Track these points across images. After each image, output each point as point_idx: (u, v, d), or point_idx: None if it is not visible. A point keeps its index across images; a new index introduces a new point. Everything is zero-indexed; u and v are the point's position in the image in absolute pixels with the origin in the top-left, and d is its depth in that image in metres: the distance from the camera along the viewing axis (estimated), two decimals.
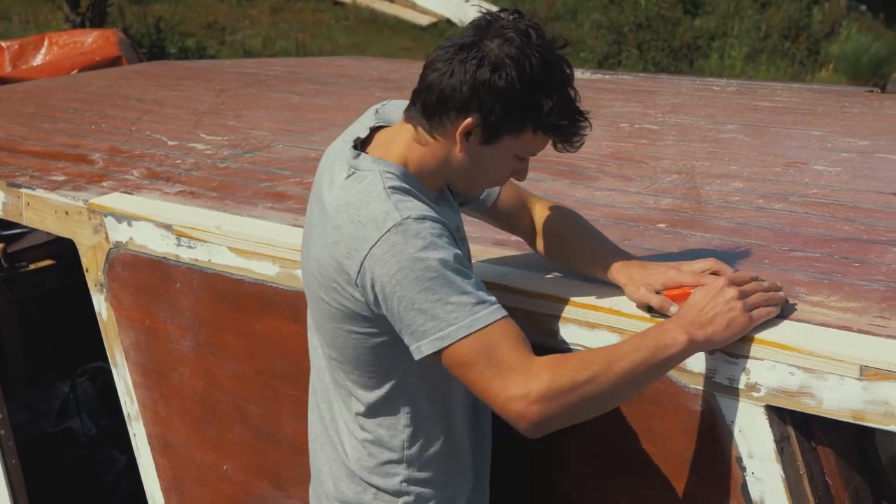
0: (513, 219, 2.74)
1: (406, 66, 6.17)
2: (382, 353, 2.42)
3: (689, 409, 2.42)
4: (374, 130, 2.49)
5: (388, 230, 2.23)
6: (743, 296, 2.31)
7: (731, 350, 2.33)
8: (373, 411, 2.50)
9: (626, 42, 20.07)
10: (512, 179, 2.50)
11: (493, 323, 2.21)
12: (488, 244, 2.89)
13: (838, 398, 2.24)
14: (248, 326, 3.14)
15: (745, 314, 2.29)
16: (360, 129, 2.52)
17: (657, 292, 2.43)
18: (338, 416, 2.57)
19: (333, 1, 21.37)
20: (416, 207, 2.28)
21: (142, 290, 3.40)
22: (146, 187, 3.68)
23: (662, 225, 2.99)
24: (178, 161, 4.02)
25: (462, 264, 2.26)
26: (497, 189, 2.69)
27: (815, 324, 2.34)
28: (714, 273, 2.41)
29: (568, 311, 2.54)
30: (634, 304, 2.47)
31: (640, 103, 4.55)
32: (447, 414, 2.53)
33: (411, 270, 2.21)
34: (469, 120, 2.30)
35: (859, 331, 2.31)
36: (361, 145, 2.46)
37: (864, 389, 2.21)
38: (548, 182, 3.42)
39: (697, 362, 2.38)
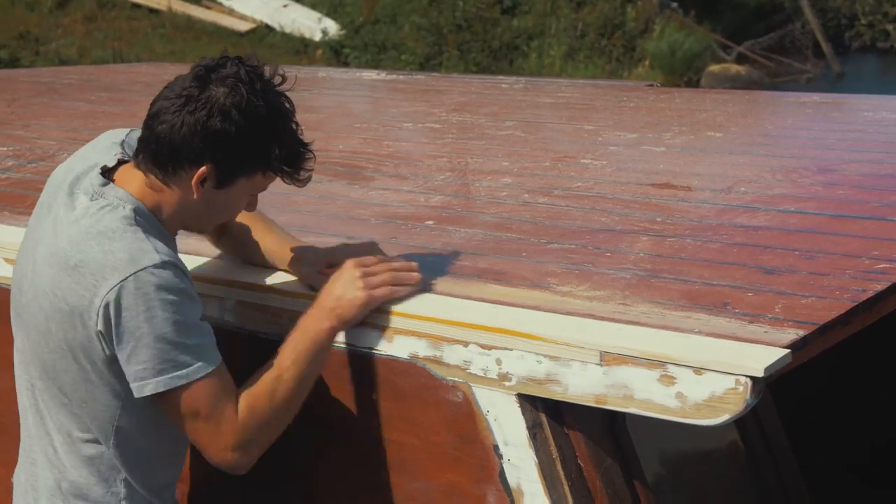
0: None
1: None
2: (103, 391, 2.47)
3: (448, 401, 2.48)
4: (120, 162, 2.54)
5: (145, 268, 2.33)
6: (367, 275, 2.48)
7: (483, 342, 2.40)
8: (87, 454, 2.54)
9: (447, 43, 20.25)
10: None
11: (217, 367, 2.40)
12: None
13: (582, 384, 2.32)
14: None
15: (364, 291, 2.47)
16: (105, 156, 2.55)
17: (319, 272, 2.62)
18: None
19: (149, 9, 21.05)
20: (169, 253, 2.40)
21: None
22: None
23: (430, 222, 3.05)
24: None
25: (198, 312, 2.42)
26: None
27: (562, 313, 2.42)
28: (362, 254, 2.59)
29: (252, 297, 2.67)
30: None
31: (427, 102, 4.61)
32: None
33: (162, 311, 2.33)
34: (203, 168, 2.40)
35: (602, 318, 2.39)
36: (107, 174, 2.50)
37: (605, 374, 2.29)
38: (325, 183, 3.44)
39: (453, 355, 2.44)
